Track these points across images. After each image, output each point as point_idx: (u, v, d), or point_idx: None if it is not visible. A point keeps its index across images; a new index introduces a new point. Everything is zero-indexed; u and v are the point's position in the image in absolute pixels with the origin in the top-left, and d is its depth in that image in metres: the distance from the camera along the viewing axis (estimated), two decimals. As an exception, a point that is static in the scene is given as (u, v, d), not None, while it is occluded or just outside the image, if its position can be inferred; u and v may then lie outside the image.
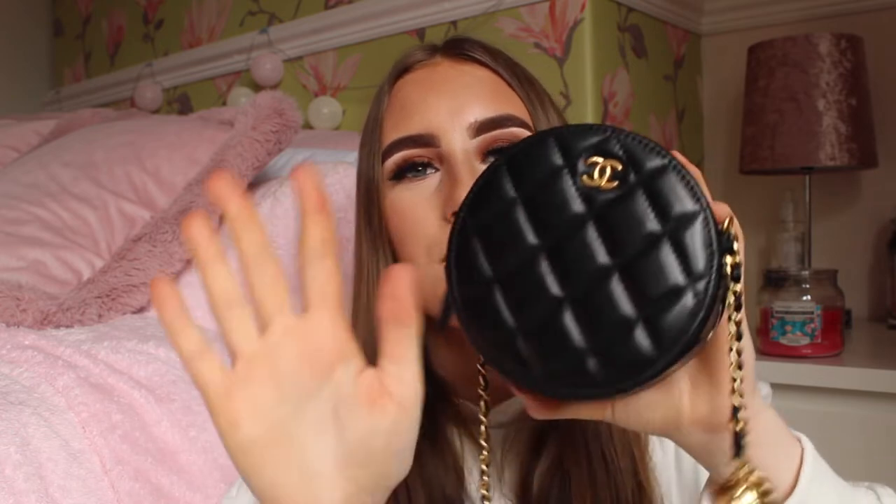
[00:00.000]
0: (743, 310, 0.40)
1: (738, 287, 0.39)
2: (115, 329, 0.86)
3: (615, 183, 0.39)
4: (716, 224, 0.38)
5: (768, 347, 1.29)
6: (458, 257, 0.41)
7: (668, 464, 0.62)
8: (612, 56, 1.39)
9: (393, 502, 0.51)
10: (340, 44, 1.65)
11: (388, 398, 0.38)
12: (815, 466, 0.44)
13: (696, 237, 0.38)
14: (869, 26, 1.51)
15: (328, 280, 0.38)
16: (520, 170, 0.41)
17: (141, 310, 0.97)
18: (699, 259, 0.38)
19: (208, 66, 1.90)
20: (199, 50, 1.92)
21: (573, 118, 1.32)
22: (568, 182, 0.40)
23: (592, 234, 0.39)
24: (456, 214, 0.42)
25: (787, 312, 1.27)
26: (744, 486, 0.40)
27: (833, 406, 1.19)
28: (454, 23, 1.48)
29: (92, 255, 1.05)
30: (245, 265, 0.38)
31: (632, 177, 0.39)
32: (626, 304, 0.38)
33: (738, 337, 0.40)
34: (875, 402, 1.15)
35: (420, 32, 1.53)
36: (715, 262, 0.38)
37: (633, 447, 0.59)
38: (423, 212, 0.56)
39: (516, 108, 0.59)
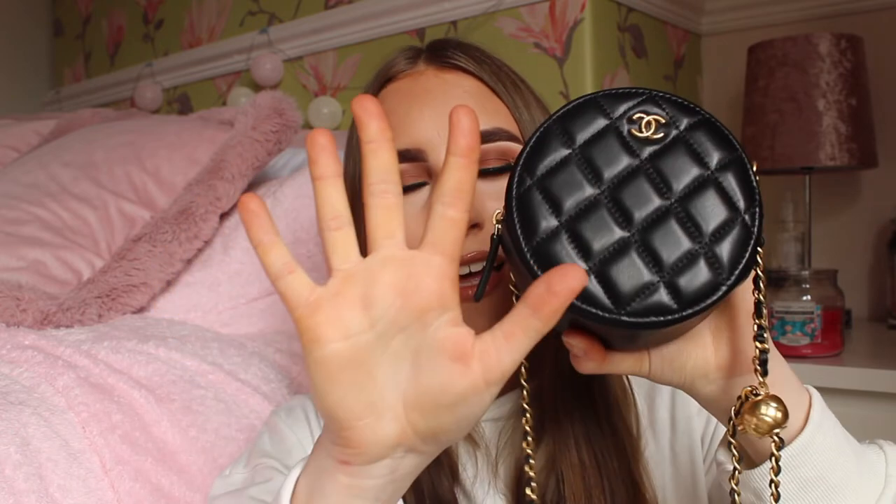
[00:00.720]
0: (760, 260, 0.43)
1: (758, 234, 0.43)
2: (115, 329, 0.86)
3: (661, 134, 0.44)
4: (751, 167, 0.43)
5: (768, 347, 1.29)
6: (520, 212, 0.43)
7: (662, 457, 0.62)
8: (612, 56, 1.39)
9: None
10: (340, 44, 1.65)
11: (477, 362, 0.37)
12: (822, 412, 0.47)
13: (737, 177, 0.43)
14: (869, 26, 1.51)
15: (449, 229, 0.38)
16: (568, 130, 0.44)
17: (141, 310, 0.97)
18: (743, 195, 0.42)
19: (208, 66, 1.90)
20: (199, 50, 1.92)
21: (573, 118, 1.32)
22: (616, 137, 0.44)
23: (646, 181, 0.43)
24: (511, 171, 0.43)
25: (787, 312, 1.27)
26: (765, 402, 0.43)
27: (833, 406, 1.18)
28: (454, 23, 1.48)
29: (92, 255, 1.05)
30: (367, 187, 0.38)
31: (674, 130, 0.44)
32: (685, 240, 0.42)
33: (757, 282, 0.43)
34: (875, 402, 1.15)
35: (420, 32, 1.53)
36: (756, 196, 0.43)
37: (626, 445, 0.60)
38: (414, 225, 0.56)
39: (503, 118, 0.59)
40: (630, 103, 0.44)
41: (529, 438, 0.48)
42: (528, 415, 0.48)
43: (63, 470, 0.66)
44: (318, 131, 0.38)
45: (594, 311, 0.41)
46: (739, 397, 0.44)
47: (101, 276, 0.96)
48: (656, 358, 0.46)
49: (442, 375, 0.37)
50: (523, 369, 0.48)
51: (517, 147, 0.59)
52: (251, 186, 1.13)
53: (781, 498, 0.45)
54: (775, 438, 0.43)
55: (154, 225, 1.01)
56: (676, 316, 0.41)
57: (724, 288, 0.41)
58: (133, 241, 1.00)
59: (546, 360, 0.58)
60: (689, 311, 0.41)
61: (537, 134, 0.44)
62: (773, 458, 0.44)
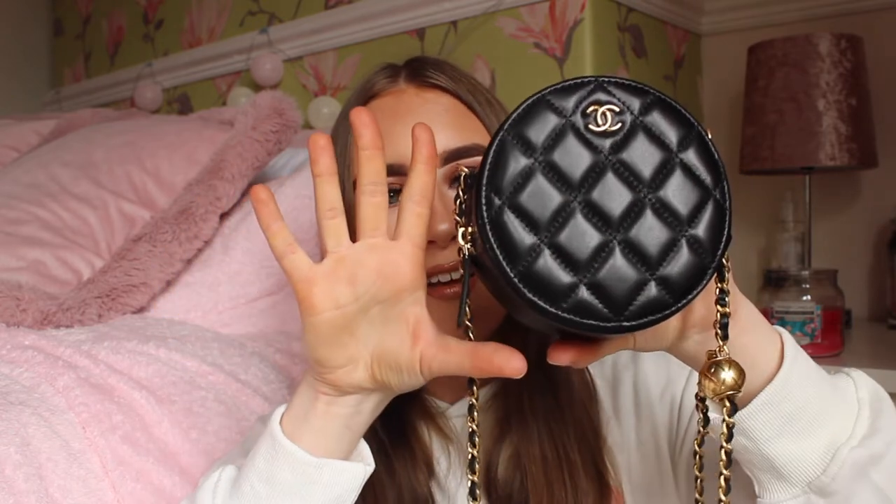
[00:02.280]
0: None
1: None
2: (116, 329, 0.86)
3: (618, 124, 0.43)
4: (709, 139, 0.43)
5: (768, 347, 1.29)
6: (496, 236, 0.41)
7: (627, 444, 0.66)
8: (612, 56, 1.39)
9: (361, 502, 0.56)
10: (340, 44, 1.65)
11: (422, 346, 0.48)
12: (795, 350, 0.49)
13: (699, 153, 0.43)
14: (869, 26, 1.51)
15: (418, 223, 0.48)
16: (524, 136, 0.42)
17: (141, 310, 0.97)
18: (708, 170, 0.42)
19: (208, 66, 1.90)
20: (199, 50, 1.92)
21: (573, 118, 1.32)
22: (575, 135, 0.42)
23: (614, 176, 0.42)
24: (476, 191, 0.43)
25: (787, 312, 1.27)
26: (722, 365, 0.45)
27: (833, 406, 1.19)
28: (454, 23, 1.48)
29: (92, 255, 1.05)
30: (360, 187, 0.47)
31: (628, 116, 0.43)
32: (664, 230, 0.42)
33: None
34: (875, 402, 1.15)
35: (420, 32, 1.53)
36: (721, 168, 0.43)
37: (588, 437, 0.64)
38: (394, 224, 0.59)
39: (480, 135, 0.63)
40: (579, 95, 0.43)
41: (476, 439, 0.50)
42: (475, 425, 0.50)
43: (63, 470, 0.66)
44: (319, 134, 0.47)
45: (595, 323, 0.41)
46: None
47: (101, 276, 0.96)
48: (640, 332, 0.48)
49: (397, 342, 0.48)
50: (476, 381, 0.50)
51: None
52: (251, 186, 1.13)
53: (767, 435, 0.48)
54: (727, 403, 0.45)
55: (154, 225, 1.01)
56: (673, 309, 0.41)
57: (710, 270, 0.42)
58: (133, 241, 1.00)
59: None
60: (684, 301, 0.41)
61: (494, 146, 0.42)
62: (725, 424, 0.46)
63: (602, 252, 0.41)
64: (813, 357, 1.38)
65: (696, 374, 0.65)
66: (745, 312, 0.48)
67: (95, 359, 0.78)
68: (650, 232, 0.42)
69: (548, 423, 0.63)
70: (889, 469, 0.49)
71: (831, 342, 1.26)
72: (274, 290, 1.02)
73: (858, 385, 0.52)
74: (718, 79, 1.72)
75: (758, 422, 0.48)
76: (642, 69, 1.49)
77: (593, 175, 0.42)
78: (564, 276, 0.41)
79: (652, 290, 0.41)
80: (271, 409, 0.84)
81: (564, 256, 0.41)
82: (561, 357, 0.45)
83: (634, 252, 0.41)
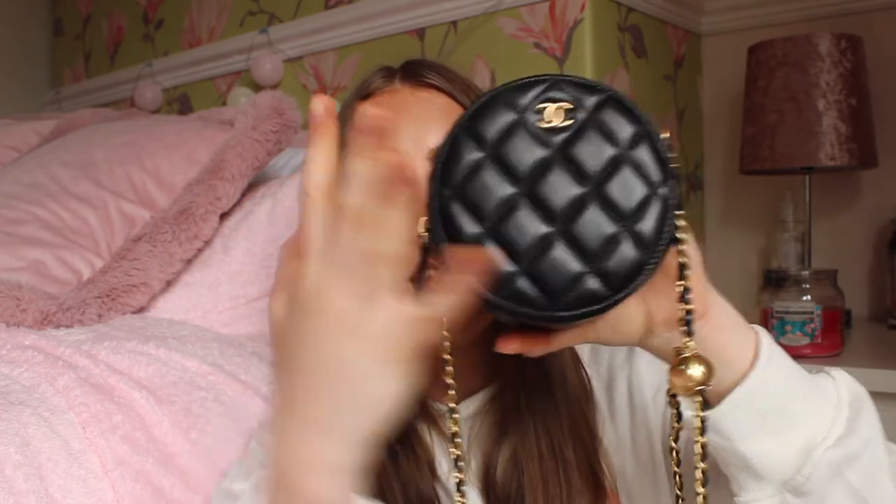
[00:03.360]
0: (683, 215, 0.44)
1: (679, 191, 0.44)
2: (116, 329, 0.86)
3: (570, 121, 0.44)
4: (660, 138, 0.44)
5: (768, 347, 1.29)
6: (445, 225, 0.43)
7: (622, 444, 0.66)
8: (612, 56, 1.39)
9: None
10: (340, 44, 1.65)
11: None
12: (770, 347, 0.49)
13: (649, 151, 0.43)
14: (869, 26, 1.51)
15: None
16: (477, 132, 0.43)
17: (141, 310, 0.97)
18: (657, 168, 0.43)
19: (208, 66, 1.90)
20: (199, 50, 1.92)
21: (573, 118, 1.32)
22: (526, 131, 0.44)
23: (560, 171, 0.43)
24: (428, 182, 0.44)
25: (787, 312, 1.27)
26: (690, 361, 0.45)
27: (833, 406, 1.19)
28: (454, 23, 1.48)
29: (92, 255, 1.05)
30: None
31: (581, 113, 0.44)
32: (607, 224, 0.43)
33: (675, 234, 0.44)
34: (875, 402, 1.15)
35: (420, 32, 1.53)
36: (671, 166, 0.43)
37: (584, 436, 0.64)
38: None
39: None
40: (534, 93, 0.44)
41: (457, 440, 0.50)
42: (454, 415, 0.50)
43: (63, 470, 0.66)
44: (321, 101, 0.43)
45: (529, 311, 0.42)
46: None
47: (101, 276, 0.96)
48: (601, 325, 0.48)
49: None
50: (451, 370, 0.49)
51: None
52: (251, 186, 1.13)
53: (742, 433, 0.48)
54: (697, 399, 0.45)
55: (154, 225, 1.01)
56: (609, 302, 0.42)
57: (651, 264, 0.42)
58: (133, 241, 1.00)
59: (506, 360, 0.61)
60: (621, 294, 0.42)
61: (448, 140, 0.44)
62: (700, 419, 0.46)
63: (543, 243, 0.42)
64: (813, 357, 1.37)
65: None
66: (717, 310, 0.48)
67: (95, 359, 0.78)
68: (592, 226, 0.42)
69: (544, 420, 0.64)
70: (865, 469, 0.49)
71: (831, 342, 1.26)
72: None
73: (839, 385, 0.52)
74: (718, 79, 1.71)
75: (732, 420, 0.48)
76: (642, 69, 1.49)
77: (540, 169, 0.43)
78: (505, 265, 0.42)
79: (590, 282, 0.42)
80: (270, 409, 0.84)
81: (506, 247, 0.42)
82: (506, 345, 0.46)
83: (576, 245, 0.42)
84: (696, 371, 0.45)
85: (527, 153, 0.43)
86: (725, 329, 0.48)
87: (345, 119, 0.66)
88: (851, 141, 1.34)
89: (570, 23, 1.34)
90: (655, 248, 0.42)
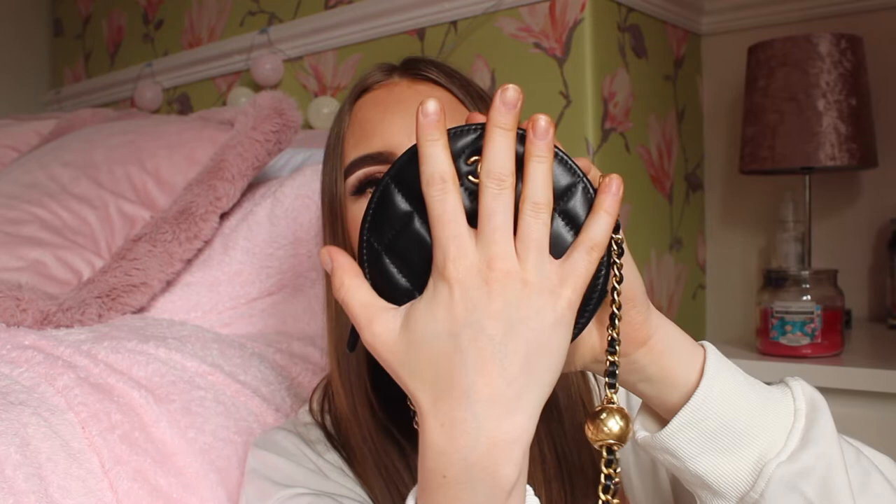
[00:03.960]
0: (625, 254, 0.44)
1: (619, 236, 0.43)
2: (115, 329, 0.86)
3: None
4: (594, 189, 0.42)
5: (768, 347, 1.29)
6: (375, 282, 0.42)
7: (626, 447, 0.67)
8: (612, 56, 1.39)
9: (388, 496, 0.57)
10: (340, 44, 1.65)
11: None
12: (718, 364, 0.49)
13: (580, 205, 0.42)
14: (869, 26, 1.51)
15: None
16: (407, 184, 0.42)
17: (141, 310, 0.97)
18: (577, 229, 0.42)
19: (208, 66, 1.90)
20: (199, 50, 1.92)
21: (573, 118, 1.32)
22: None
23: None
24: (360, 234, 0.43)
25: (787, 312, 1.27)
26: (609, 413, 0.44)
27: (833, 406, 1.19)
28: (454, 23, 1.48)
29: (92, 255, 1.05)
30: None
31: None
32: None
33: (620, 280, 0.44)
34: (875, 402, 1.16)
35: (420, 32, 1.53)
36: (613, 231, 0.42)
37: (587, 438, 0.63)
38: None
39: None
40: (464, 142, 0.42)
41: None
42: None
43: (63, 470, 0.66)
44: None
45: None
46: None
47: (101, 276, 0.96)
48: None
49: None
50: None
51: None
52: (251, 186, 1.13)
53: (692, 453, 0.48)
54: (605, 455, 0.44)
55: (154, 225, 1.01)
56: None
57: (582, 321, 0.43)
58: (133, 241, 1.00)
59: None
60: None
61: (378, 191, 0.43)
62: (603, 475, 0.44)
63: None
64: (813, 357, 1.37)
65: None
66: (661, 335, 0.48)
67: (95, 358, 0.78)
68: None
69: (547, 423, 0.63)
70: (820, 482, 0.48)
71: (831, 342, 1.26)
72: (274, 290, 1.02)
73: (796, 395, 0.51)
74: (718, 79, 1.71)
75: (681, 440, 0.48)
76: (642, 69, 1.49)
77: (474, 223, 0.41)
78: None
79: None
80: (269, 409, 0.84)
81: None
82: None
83: None
84: (613, 424, 0.44)
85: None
86: (669, 353, 0.48)
87: (342, 116, 0.66)
88: (851, 141, 1.34)
89: (570, 23, 1.34)
90: (588, 305, 0.42)
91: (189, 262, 1.01)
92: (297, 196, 1.04)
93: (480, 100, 0.66)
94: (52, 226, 1.06)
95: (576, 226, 0.42)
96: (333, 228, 0.64)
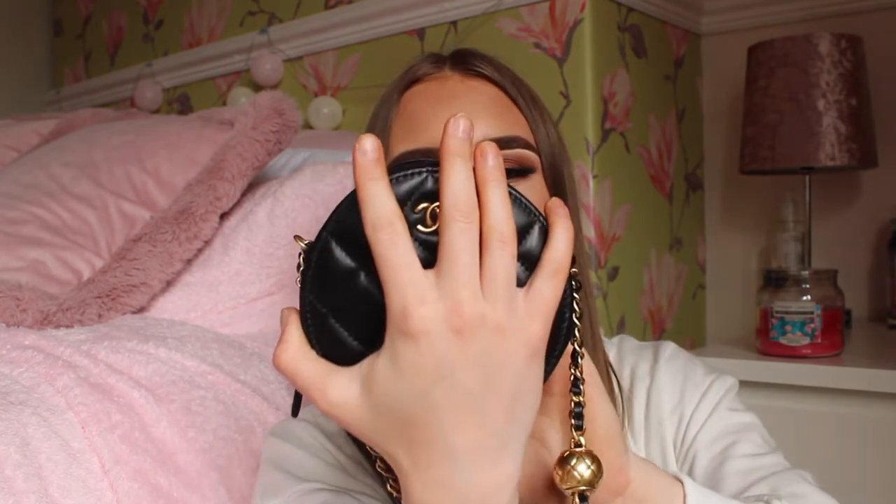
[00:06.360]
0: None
1: (574, 269, 0.40)
2: (115, 329, 0.86)
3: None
4: (547, 229, 0.39)
5: (768, 347, 1.29)
6: (319, 344, 0.38)
7: (637, 451, 0.65)
8: (612, 56, 1.39)
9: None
10: (340, 44, 1.65)
11: None
12: (699, 498, 0.47)
13: (538, 245, 0.39)
14: (869, 26, 1.51)
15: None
16: (349, 236, 0.38)
17: (141, 310, 0.97)
18: (531, 268, 0.39)
19: (208, 66, 1.90)
20: (199, 50, 1.92)
21: (573, 118, 1.32)
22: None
23: None
24: (301, 302, 0.39)
25: (787, 312, 1.27)
26: (579, 458, 0.42)
27: (833, 406, 1.19)
28: (454, 23, 1.48)
29: (92, 255, 1.05)
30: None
31: None
32: None
33: (580, 316, 0.42)
34: (875, 402, 1.15)
35: (420, 32, 1.53)
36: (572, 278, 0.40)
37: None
38: None
39: (521, 128, 0.61)
40: (409, 187, 0.38)
41: None
42: None
43: (63, 470, 0.66)
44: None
45: None
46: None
47: (101, 276, 0.96)
48: None
49: None
50: None
51: (533, 156, 0.60)
52: (251, 186, 1.13)
53: None
54: (577, 502, 0.42)
55: (154, 225, 1.01)
56: None
57: (547, 371, 0.40)
58: (133, 241, 1.00)
59: None
60: None
61: (318, 247, 0.38)
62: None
63: None
64: (813, 357, 1.37)
65: (708, 397, 0.65)
66: (639, 479, 0.46)
67: (95, 358, 0.78)
68: None
69: None
70: None
71: (831, 342, 1.26)
72: (274, 290, 1.02)
73: None
74: (718, 79, 1.71)
75: None
76: (642, 69, 1.49)
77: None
78: None
79: None
80: (269, 409, 0.84)
81: None
82: None
83: None
84: (583, 468, 0.42)
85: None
86: (648, 497, 0.46)
87: (389, 105, 0.62)
88: (851, 141, 1.34)
89: (570, 23, 1.34)
90: (550, 358, 0.40)
91: (189, 262, 1.01)
92: (297, 196, 1.04)
93: (532, 100, 0.63)
94: (52, 226, 1.06)
95: (534, 268, 0.39)
96: None
